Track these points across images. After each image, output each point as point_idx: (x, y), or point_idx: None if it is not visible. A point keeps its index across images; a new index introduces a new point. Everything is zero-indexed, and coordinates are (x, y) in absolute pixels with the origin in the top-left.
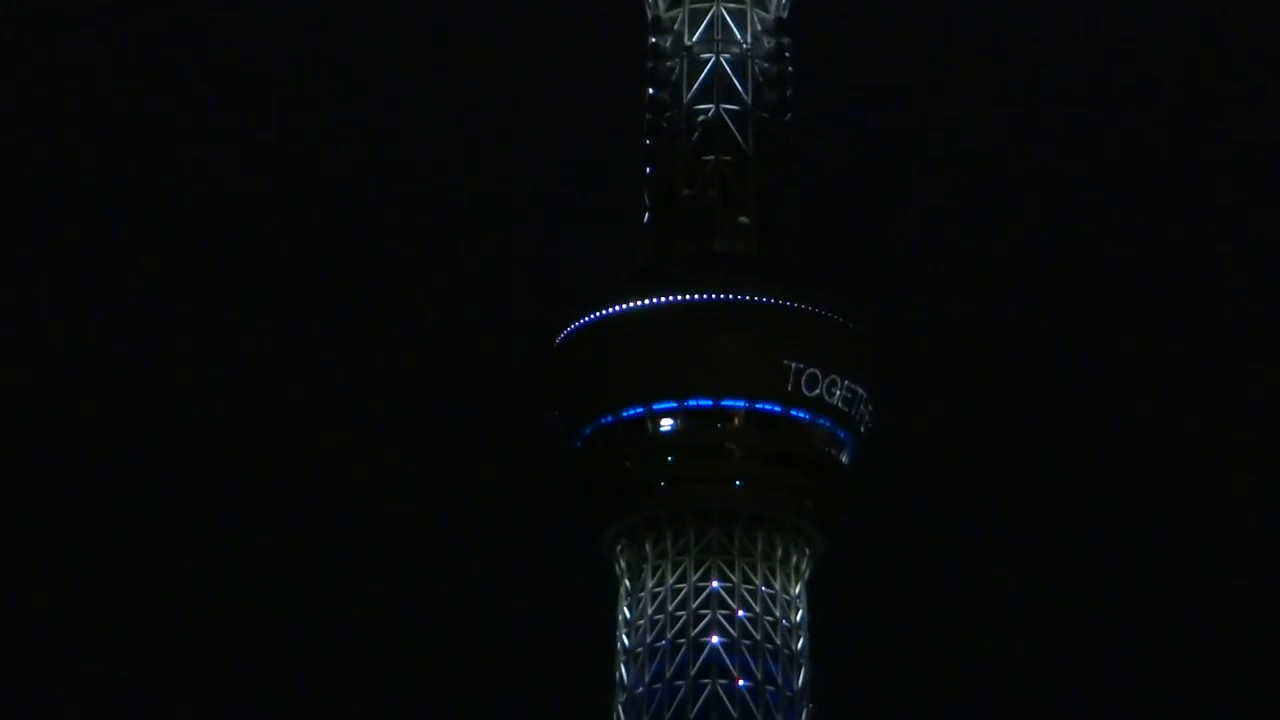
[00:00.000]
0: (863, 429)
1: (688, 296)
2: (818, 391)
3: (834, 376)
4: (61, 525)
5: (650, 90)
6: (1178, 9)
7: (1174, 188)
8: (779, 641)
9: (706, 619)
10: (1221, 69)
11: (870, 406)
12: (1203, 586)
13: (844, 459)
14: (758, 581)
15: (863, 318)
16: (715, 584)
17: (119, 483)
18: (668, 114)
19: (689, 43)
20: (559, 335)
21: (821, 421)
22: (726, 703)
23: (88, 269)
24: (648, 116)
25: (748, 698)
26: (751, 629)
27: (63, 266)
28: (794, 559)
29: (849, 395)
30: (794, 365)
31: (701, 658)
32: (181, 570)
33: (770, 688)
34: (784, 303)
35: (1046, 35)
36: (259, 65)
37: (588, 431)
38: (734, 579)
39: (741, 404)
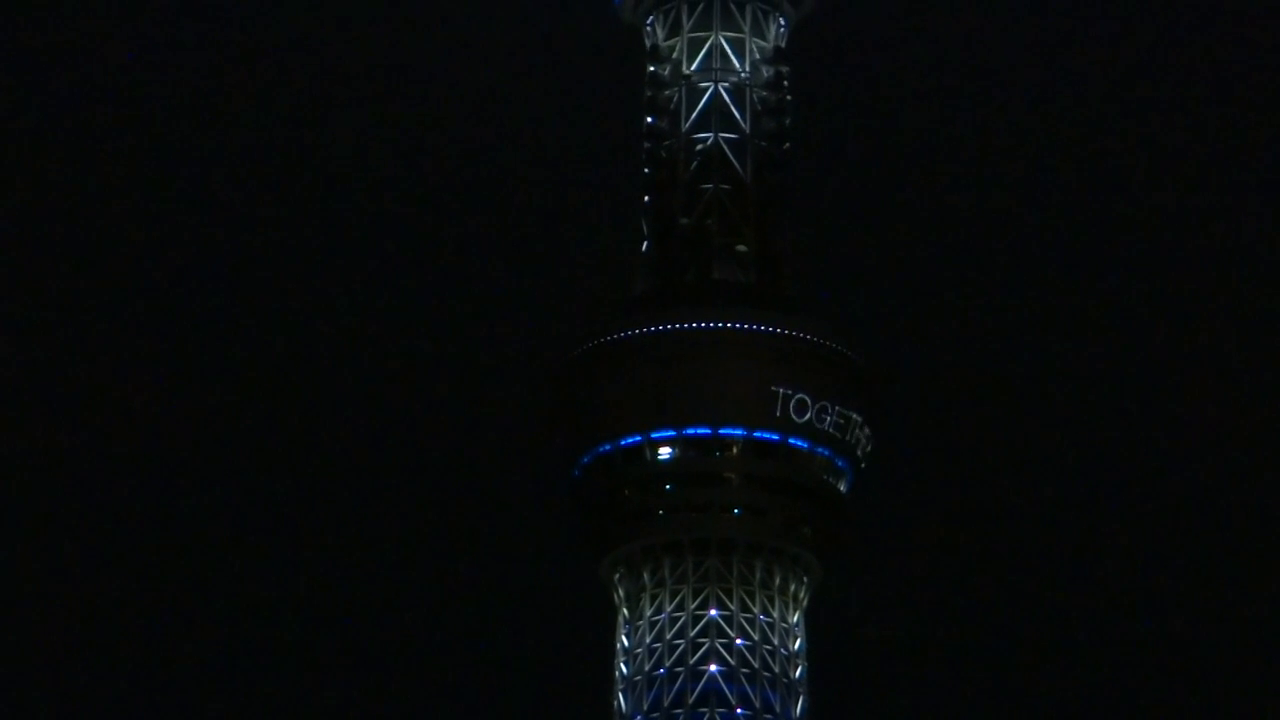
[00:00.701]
0: (861, 457)
1: (684, 325)
2: (808, 417)
3: (824, 403)
4: (60, 525)
5: (648, 119)
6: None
7: (1170, 200)
8: (777, 670)
9: (704, 647)
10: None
11: (868, 434)
12: (1200, 612)
13: (842, 487)
14: (756, 610)
15: (857, 344)
16: (713, 612)
17: (118, 479)
18: (666, 142)
19: (687, 71)
20: (557, 363)
21: (820, 450)
22: None
23: (88, 268)
24: (646, 145)
25: None
26: (750, 657)
27: (63, 265)
28: (792, 587)
29: (841, 421)
30: (782, 391)
31: (700, 686)
32: (178, 580)
33: (768, 716)
34: (774, 329)
35: (1043, 58)
36: (265, 67)
37: (586, 460)
38: (732, 607)
39: (740, 432)
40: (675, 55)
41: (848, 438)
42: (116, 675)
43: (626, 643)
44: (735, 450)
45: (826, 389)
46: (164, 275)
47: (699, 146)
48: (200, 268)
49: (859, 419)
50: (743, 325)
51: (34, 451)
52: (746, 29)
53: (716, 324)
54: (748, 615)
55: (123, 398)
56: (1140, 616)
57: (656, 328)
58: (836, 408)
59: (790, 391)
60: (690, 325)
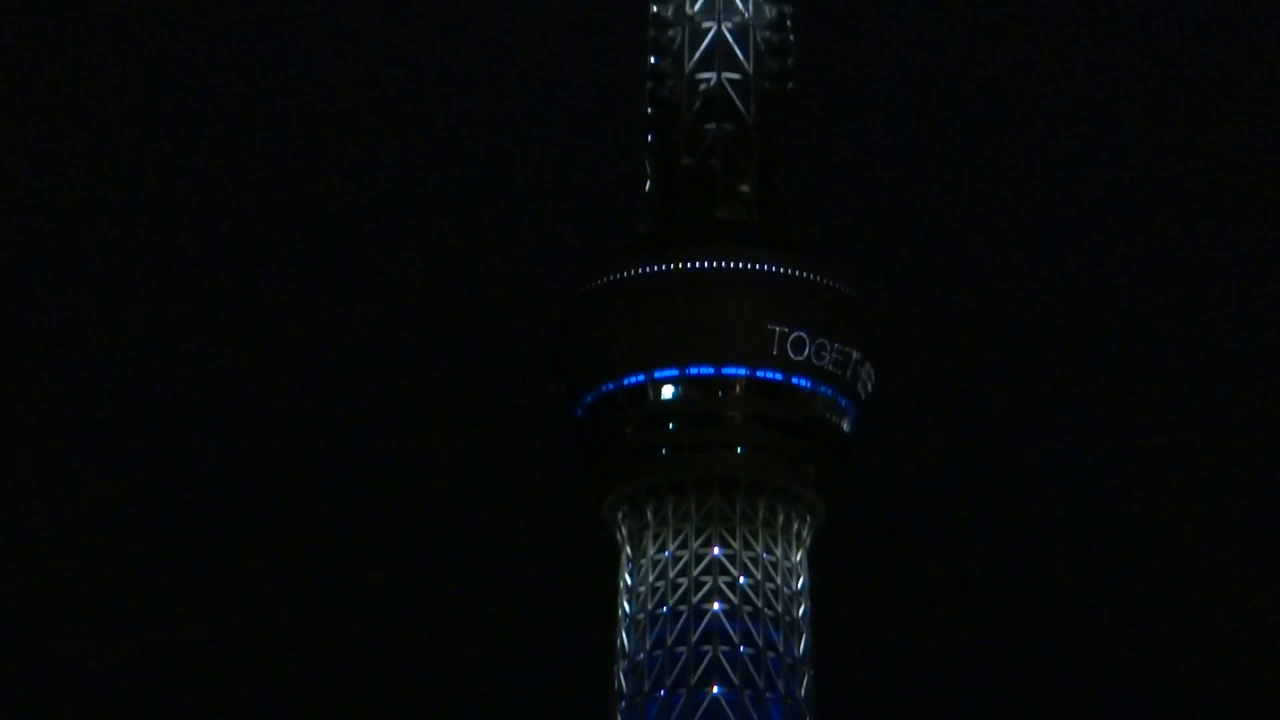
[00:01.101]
0: (863, 395)
1: (687, 265)
2: (805, 355)
3: (823, 340)
4: (60, 523)
5: (652, 59)
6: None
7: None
8: (780, 608)
9: (707, 586)
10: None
11: (869, 371)
12: (1205, 556)
13: (845, 426)
14: (759, 548)
15: (858, 282)
16: (716, 551)
17: (119, 476)
18: (669, 83)
19: (691, 11)
20: (560, 303)
21: (823, 389)
22: (728, 669)
23: (86, 268)
24: (649, 85)
25: (748, 663)
26: (752, 596)
27: (60, 265)
28: (795, 526)
29: (840, 359)
30: (779, 329)
31: (702, 624)
32: (170, 556)
33: (771, 654)
34: (773, 269)
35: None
36: (251, 30)
37: (589, 399)
38: (735, 546)
39: (742, 371)
40: None
41: (848, 375)
42: (118, 674)
43: (630, 581)
44: (738, 389)
45: (825, 327)
46: (161, 258)
47: (702, 87)
48: (200, 230)
49: (858, 356)
50: (743, 264)
51: (34, 449)
52: None
53: (719, 264)
54: (750, 553)
55: (123, 390)
56: (1139, 551)
57: (659, 268)
58: (835, 345)
59: (787, 329)
60: (693, 265)
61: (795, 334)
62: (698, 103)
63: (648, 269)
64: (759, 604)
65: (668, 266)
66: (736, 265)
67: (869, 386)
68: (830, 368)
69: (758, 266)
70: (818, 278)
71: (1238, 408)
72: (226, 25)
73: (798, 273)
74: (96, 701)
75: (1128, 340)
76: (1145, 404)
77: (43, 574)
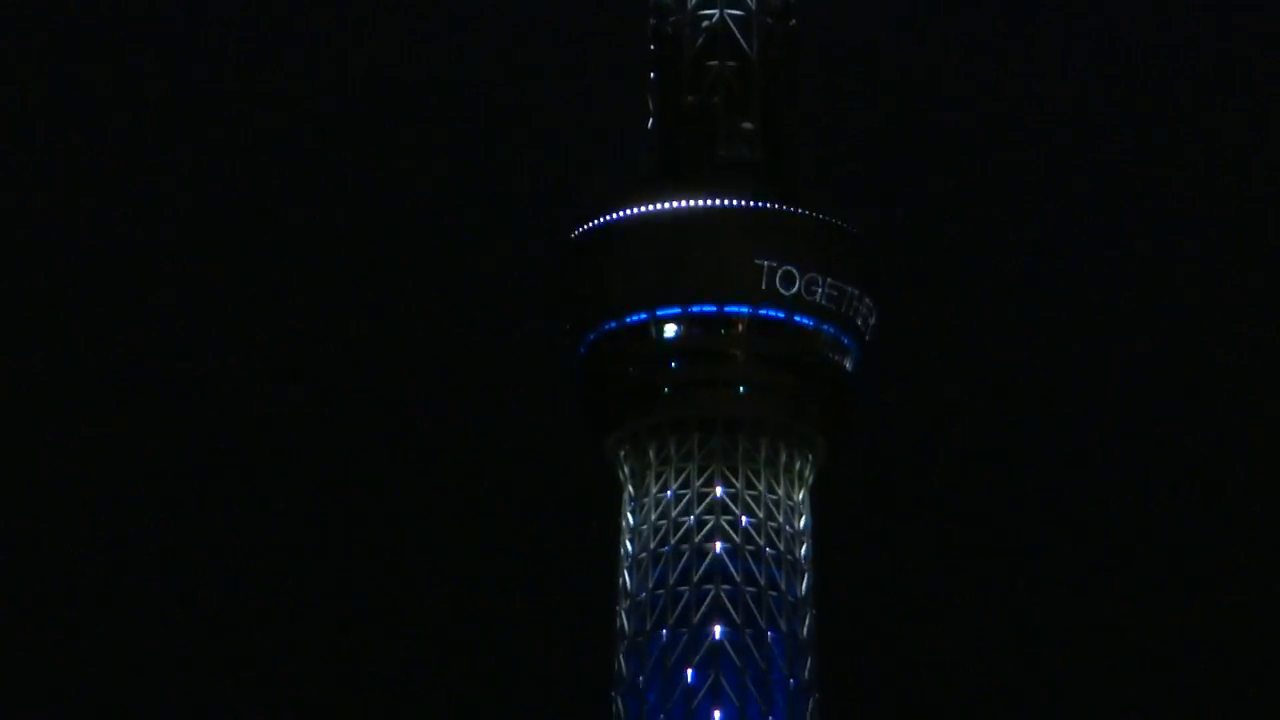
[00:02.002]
0: (865, 333)
1: (689, 203)
2: (795, 289)
3: (813, 275)
4: (59, 524)
5: None
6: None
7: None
8: (782, 547)
9: (709, 525)
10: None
11: (871, 308)
12: (1214, 504)
13: (848, 365)
14: (761, 487)
15: (853, 217)
16: (719, 490)
17: (119, 474)
18: (671, 19)
19: None
20: (562, 241)
21: (825, 327)
22: (730, 608)
23: (86, 266)
24: (651, 21)
25: (750, 603)
26: (755, 535)
27: (60, 264)
28: (797, 465)
29: (834, 294)
30: (767, 264)
31: (705, 564)
32: (170, 557)
33: (773, 593)
34: (761, 204)
35: None
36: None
37: (591, 337)
38: (737, 485)
39: (745, 310)
40: None
41: (845, 310)
42: (120, 675)
43: (632, 520)
44: (740, 328)
45: (818, 262)
46: (160, 246)
47: (705, 23)
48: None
49: (856, 292)
50: (733, 202)
51: (34, 446)
52: None
53: (721, 202)
54: (753, 493)
55: (124, 388)
56: (1139, 512)
57: (661, 206)
58: (828, 280)
59: (776, 264)
60: (695, 203)
61: (784, 268)
62: (700, 40)
63: (648, 208)
64: (761, 543)
65: (670, 205)
66: (726, 203)
67: (870, 323)
68: (825, 303)
69: (747, 204)
70: (808, 212)
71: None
72: (228, 12)
73: (787, 208)
74: (96, 702)
75: (1139, 270)
76: (1161, 342)
77: (42, 575)
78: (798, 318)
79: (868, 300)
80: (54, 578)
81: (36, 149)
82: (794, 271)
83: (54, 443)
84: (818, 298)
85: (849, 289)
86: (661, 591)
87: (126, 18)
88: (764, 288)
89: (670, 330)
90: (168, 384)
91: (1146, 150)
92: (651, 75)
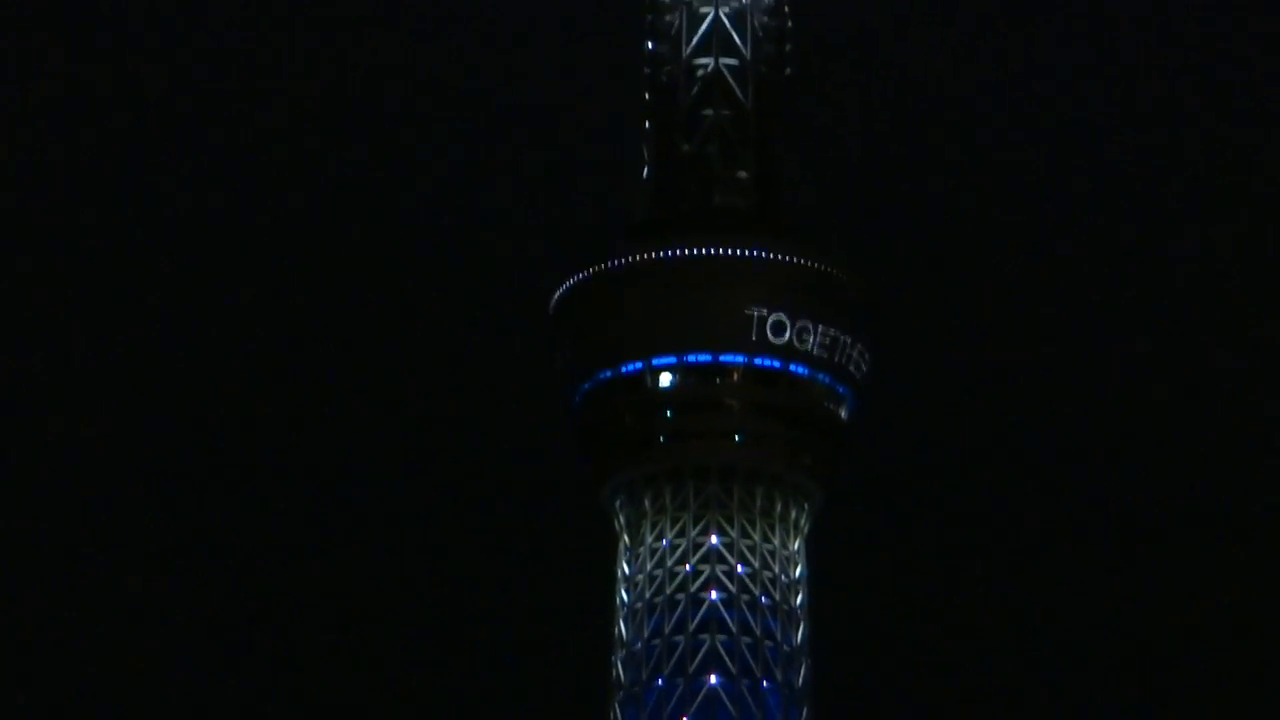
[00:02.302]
0: (859, 381)
1: (684, 252)
2: (786, 338)
3: (805, 323)
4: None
5: (649, 44)
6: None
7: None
8: (777, 597)
9: (705, 574)
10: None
11: (865, 356)
12: (1209, 534)
13: (842, 414)
14: (756, 537)
15: (847, 265)
16: (714, 539)
17: (119, 474)
18: (667, 68)
19: None
20: (558, 290)
21: (820, 376)
22: (725, 658)
23: (85, 265)
24: (647, 71)
25: (746, 653)
26: (750, 584)
27: (60, 263)
28: (792, 514)
29: (827, 341)
30: (760, 313)
31: (700, 613)
32: (171, 558)
33: (769, 643)
34: (766, 255)
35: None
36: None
37: (587, 387)
38: (732, 534)
39: (740, 359)
40: None
41: (839, 358)
42: (121, 673)
43: (627, 569)
44: (736, 377)
45: (809, 309)
46: (160, 257)
47: (700, 72)
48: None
49: (848, 339)
50: (728, 251)
51: (34, 447)
52: None
53: (716, 250)
54: (748, 542)
55: (125, 389)
56: (1139, 539)
57: (656, 254)
58: (821, 328)
59: (769, 313)
60: (691, 252)
61: (778, 317)
62: (695, 88)
63: (643, 256)
64: (756, 593)
65: (665, 254)
66: (721, 252)
67: (864, 370)
68: (818, 352)
69: (741, 252)
70: (801, 260)
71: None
72: (221, 26)
73: (781, 256)
74: (95, 701)
75: (1126, 323)
76: (1145, 385)
77: (41, 575)
78: (793, 367)
79: (861, 347)
80: (54, 578)
81: (36, 149)
82: (788, 320)
83: (53, 442)
84: (811, 346)
85: (842, 336)
86: (657, 641)
87: (127, 18)
88: (758, 337)
89: (666, 379)
90: (166, 385)
91: (1137, 207)
92: (647, 124)
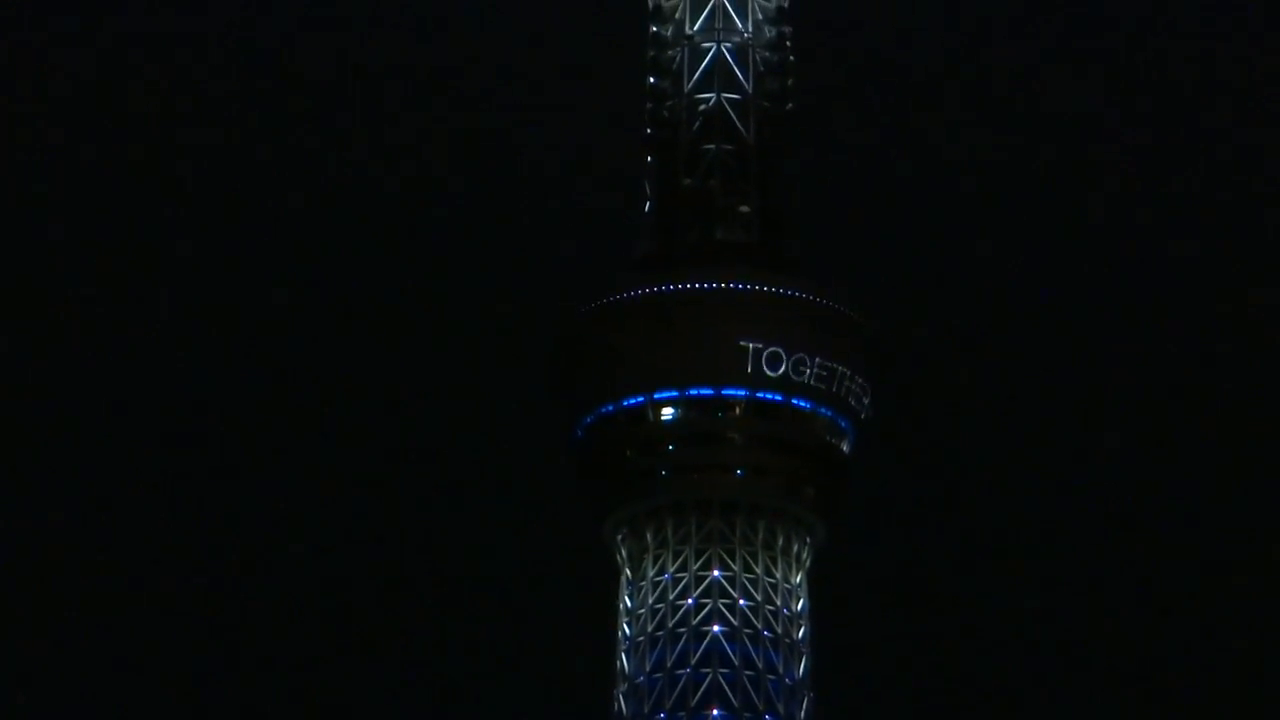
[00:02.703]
0: (861, 415)
1: (686, 286)
2: (782, 371)
3: (808, 356)
4: (59, 526)
5: (651, 79)
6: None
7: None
8: (780, 630)
9: (707, 608)
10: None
11: (866, 390)
12: (1205, 578)
13: (844, 448)
14: (759, 570)
15: (849, 299)
16: (716, 573)
17: (119, 478)
18: (669, 103)
19: (690, 31)
20: (560, 324)
21: (823, 410)
22: (728, 692)
23: (86, 265)
24: (649, 105)
25: (748, 687)
26: (752, 618)
27: (62, 263)
28: (795, 548)
29: (828, 375)
30: (760, 346)
31: (702, 647)
32: (171, 560)
33: (771, 676)
34: (768, 289)
35: (1046, 22)
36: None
37: (589, 420)
38: (735, 568)
39: (742, 393)
40: (678, 15)
41: (840, 392)
42: (120, 673)
43: (629, 603)
44: (738, 410)
45: (814, 344)
46: (161, 265)
47: (702, 107)
48: (196, 255)
49: (849, 373)
50: (734, 285)
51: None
52: None
53: (718, 285)
54: (750, 576)
55: (122, 388)
56: (1139, 571)
57: (659, 289)
58: (822, 361)
59: (770, 346)
60: (693, 286)
61: (779, 351)
62: (697, 123)
63: (645, 290)
64: (759, 626)
65: (665, 288)
66: (723, 286)
67: (865, 404)
68: (820, 385)
69: (742, 286)
70: (802, 294)
71: (1241, 441)
72: (216, 50)
73: (781, 290)
74: (95, 701)
75: (1127, 363)
76: (1145, 426)
77: (42, 576)
78: (795, 400)
79: (862, 381)
80: (53, 578)
81: (36, 149)
82: (790, 354)
83: (53, 442)
84: (813, 380)
85: (844, 370)
86: (659, 675)
87: (126, 17)
88: (760, 371)
89: (668, 413)
90: (167, 385)
91: (1139, 238)
92: (649, 159)
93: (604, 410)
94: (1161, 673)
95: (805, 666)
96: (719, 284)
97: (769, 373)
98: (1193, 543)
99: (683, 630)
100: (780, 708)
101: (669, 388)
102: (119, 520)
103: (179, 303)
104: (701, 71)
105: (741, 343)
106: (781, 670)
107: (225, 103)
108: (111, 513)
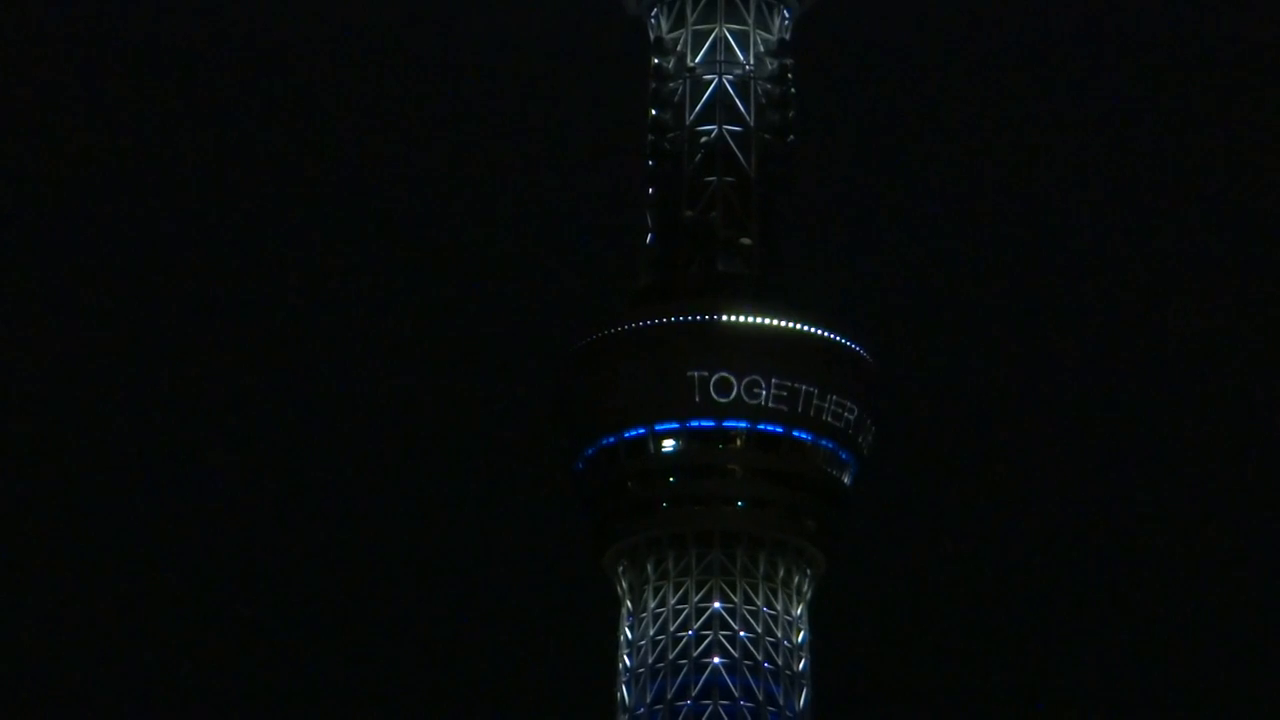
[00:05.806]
0: (864, 449)
1: (687, 318)
2: (791, 404)
3: (811, 390)
4: (59, 526)
5: (653, 111)
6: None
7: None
8: (780, 662)
9: (708, 640)
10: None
11: (869, 424)
12: (1202, 600)
13: (845, 480)
14: (759, 602)
15: (854, 332)
16: (717, 605)
17: (118, 478)
18: (670, 135)
19: (692, 64)
20: (561, 356)
21: (824, 442)
22: None
23: (86, 264)
24: (650, 138)
25: (749, 718)
26: (753, 650)
27: (63, 263)
28: (795, 580)
29: (831, 409)
30: (763, 379)
31: (703, 678)
32: (180, 584)
33: (772, 708)
34: (760, 320)
35: (1051, 55)
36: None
37: (590, 452)
38: (735, 600)
39: (743, 424)
40: (679, 48)
41: (842, 425)
42: (120, 673)
43: (630, 635)
44: (739, 442)
45: (816, 378)
46: (161, 270)
47: (703, 139)
48: (201, 260)
49: (852, 406)
50: (740, 318)
51: (33, 448)
52: (750, 21)
53: (719, 317)
54: (751, 608)
55: (124, 392)
56: (1143, 604)
57: (660, 320)
58: (822, 393)
59: (772, 379)
60: (694, 318)
61: (780, 383)
62: (698, 155)
63: (647, 322)
64: (759, 658)
65: (668, 320)
66: (724, 318)
67: (868, 438)
68: (822, 418)
69: (745, 319)
70: (805, 328)
71: (1239, 459)
72: (220, 65)
73: (785, 324)
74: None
75: (1130, 393)
76: (1147, 455)
77: (42, 576)
78: (796, 432)
79: (863, 413)
80: (53, 577)
81: (36, 148)
82: (790, 386)
83: (53, 442)
84: (813, 412)
85: (845, 402)
86: (660, 707)
87: (127, 18)
88: (761, 402)
89: (669, 445)
90: (166, 387)
91: (1149, 263)
92: (650, 191)
93: (605, 442)
94: (1161, 711)
95: (806, 698)
96: (724, 316)
97: (776, 405)
98: (1192, 569)
99: (683, 662)
100: None
101: (670, 419)
102: (119, 520)
103: (179, 303)
104: (703, 104)
105: (750, 376)
106: (782, 702)
107: (225, 101)
108: (112, 513)
